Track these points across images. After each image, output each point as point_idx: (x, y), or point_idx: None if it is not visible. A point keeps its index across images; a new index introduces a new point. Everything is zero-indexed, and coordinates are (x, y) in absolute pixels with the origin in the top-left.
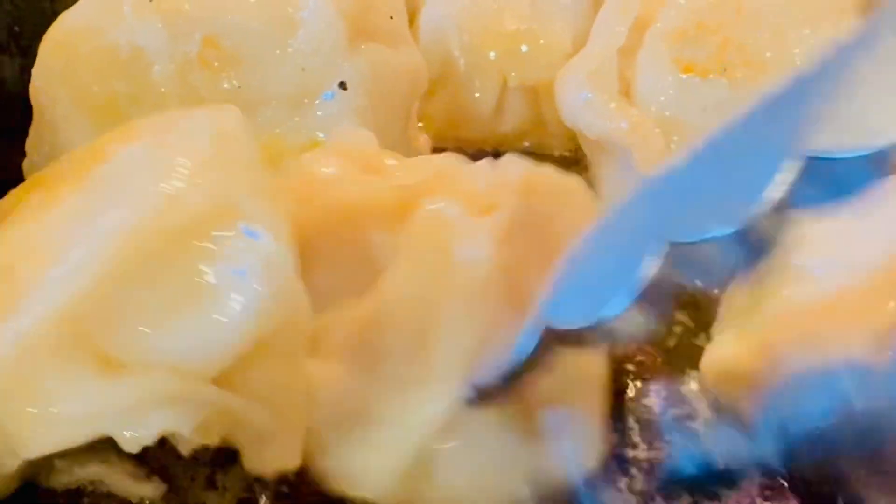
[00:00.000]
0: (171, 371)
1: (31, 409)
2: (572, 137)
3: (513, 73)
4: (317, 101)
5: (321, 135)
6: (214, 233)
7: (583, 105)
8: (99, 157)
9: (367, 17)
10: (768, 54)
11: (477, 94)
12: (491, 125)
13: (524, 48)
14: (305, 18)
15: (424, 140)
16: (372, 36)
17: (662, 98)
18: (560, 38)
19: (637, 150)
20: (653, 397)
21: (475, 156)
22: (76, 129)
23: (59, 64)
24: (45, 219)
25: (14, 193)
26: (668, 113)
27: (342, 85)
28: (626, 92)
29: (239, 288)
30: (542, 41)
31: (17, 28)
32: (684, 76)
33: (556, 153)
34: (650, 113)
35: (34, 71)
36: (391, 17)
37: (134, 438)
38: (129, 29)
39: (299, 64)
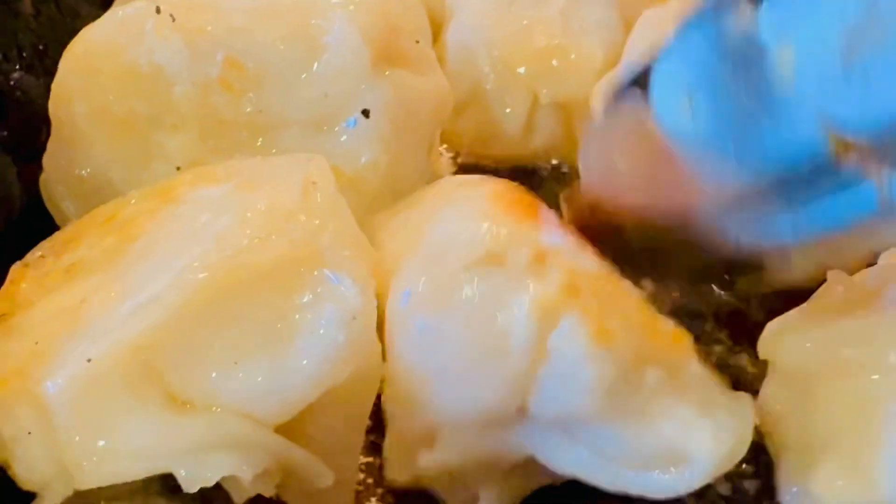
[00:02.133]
0: (239, 415)
1: (93, 439)
2: None
3: (544, 90)
4: (338, 128)
5: (341, 163)
6: (298, 279)
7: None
8: (172, 198)
9: (393, 41)
10: None
11: (507, 111)
12: (521, 142)
13: (555, 64)
14: (330, 43)
15: (446, 162)
16: (396, 61)
17: None
18: (591, 53)
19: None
20: None
21: (504, 173)
22: (94, 145)
23: (78, 80)
24: (116, 256)
25: (78, 226)
26: None
27: (365, 112)
28: None
29: (318, 337)
30: (572, 57)
31: (41, 47)
32: None
33: None
34: None
35: (53, 86)
36: (417, 42)
37: (193, 478)
38: (150, 47)
39: (322, 89)
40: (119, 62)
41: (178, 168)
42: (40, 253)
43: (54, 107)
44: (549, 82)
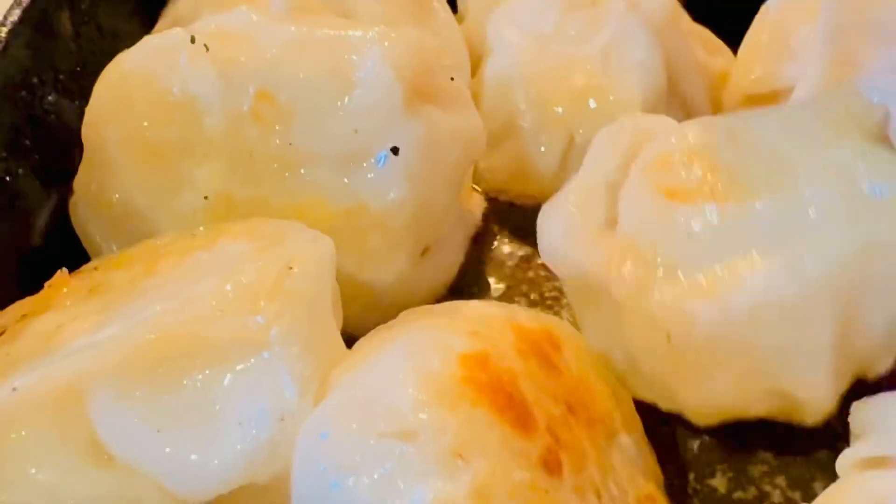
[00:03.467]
0: (153, 485)
1: (11, 465)
2: None
3: (580, 130)
4: (366, 164)
5: (368, 199)
6: (239, 364)
7: (562, 236)
8: (204, 245)
9: (428, 78)
10: (759, 179)
11: (542, 149)
12: (554, 180)
13: (592, 104)
14: (363, 79)
15: (478, 200)
16: (430, 98)
17: (647, 228)
18: (630, 94)
19: (614, 286)
20: None
21: (535, 209)
22: (124, 171)
23: (111, 105)
24: (126, 290)
25: (141, 248)
26: (651, 241)
27: (394, 150)
28: (613, 224)
29: (242, 430)
30: (611, 98)
31: (79, 68)
32: (669, 202)
33: None
34: (633, 243)
35: (87, 109)
36: (452, 79)
37: None
38: (183, 76)
39: (353, 125)
40: (152, 90)
41: (206, 197)
42: (95, 265)
43: (87, 131)
44: (585, 123)
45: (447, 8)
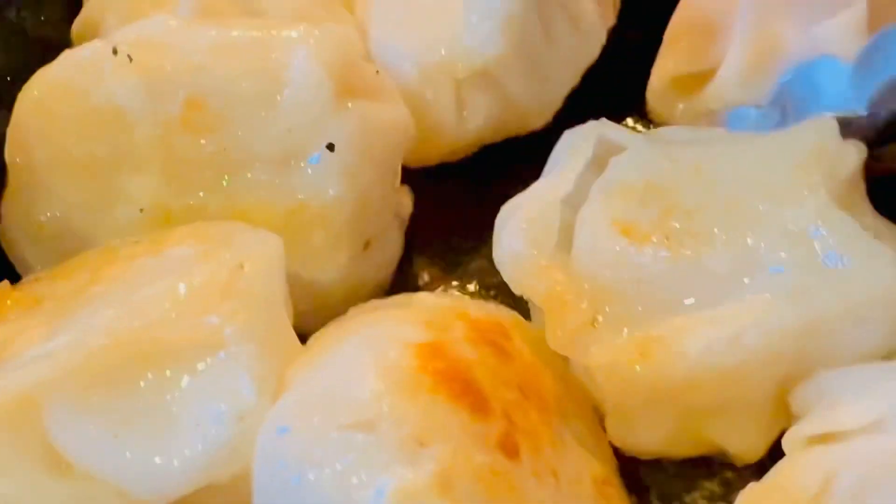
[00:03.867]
0: (113, 490)
1: None
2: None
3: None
4: (303, 163)
5: (308, 197)
6: (195, 365)
7: (511, 257)
8: (151, 251)
9: (354, 73)
10: (716, 229)
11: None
12: (457, 130)
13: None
14: (292, 78)
15: (405, 190)
16: (359, 92)
17: (597, 263)
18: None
19: (549, 320)
20: None
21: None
22: (54, 190)
23: (35, 123)
24: (69, 299)
25: (83, 257)
26: (601, 280)
27: (330, 146)
28: (565, 244)
29: (202, 430)
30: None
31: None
32: (622, 241)
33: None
34: (581, 281)
35: (9, 130)
36: (377, 72)
37: None
38: (108, 89)
39: (285, 124)
40: (77, 105)
41: (142, 210)
42: (36, 276)
43: (11, 152)
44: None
45: None
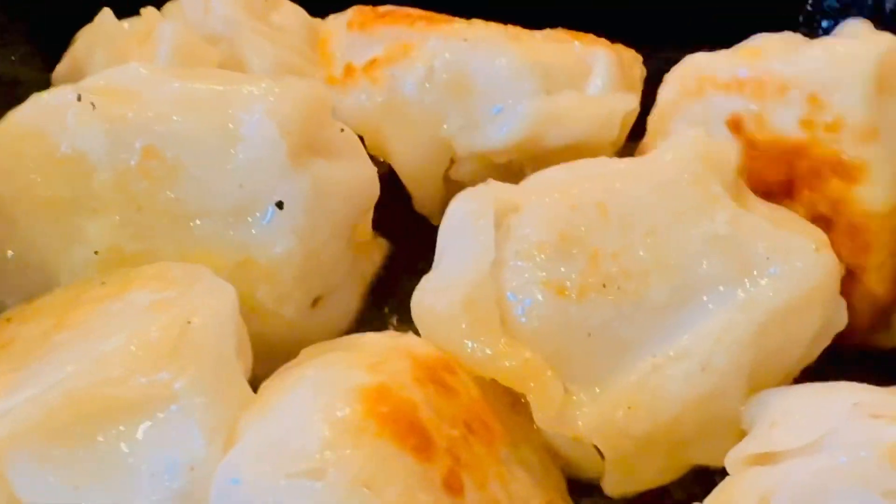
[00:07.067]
0: None
1: None
2: None
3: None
4: (252, 219)
5: (255, 253)
6: (148, 420)
7: (466, 351)
8: (117, 294)
9: (316, 130)
10: (645, 264)
11: None
12: None
13: None
14: (247, 135)
15: (379, 245)
16: (320, 150)
17: (544, 332)
18: None
19: (534, 400)
20: None
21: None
22: (17, 226)
23: (2, 161)
24: (38, 344)
25: (55, 296)
26: (554, 346)
27: (279, 204)
28: (504, 322)
29: (154, 481)
30: None
31: None
32: (561, 301)
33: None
34: (535, 348)
35: None
36: (342, 130)
37: None
38: (72, 134)
39: (238, 180)
40: (42, 147)
41: (97, 252)
42: (8, 316)
43: None
44: None
45: None
